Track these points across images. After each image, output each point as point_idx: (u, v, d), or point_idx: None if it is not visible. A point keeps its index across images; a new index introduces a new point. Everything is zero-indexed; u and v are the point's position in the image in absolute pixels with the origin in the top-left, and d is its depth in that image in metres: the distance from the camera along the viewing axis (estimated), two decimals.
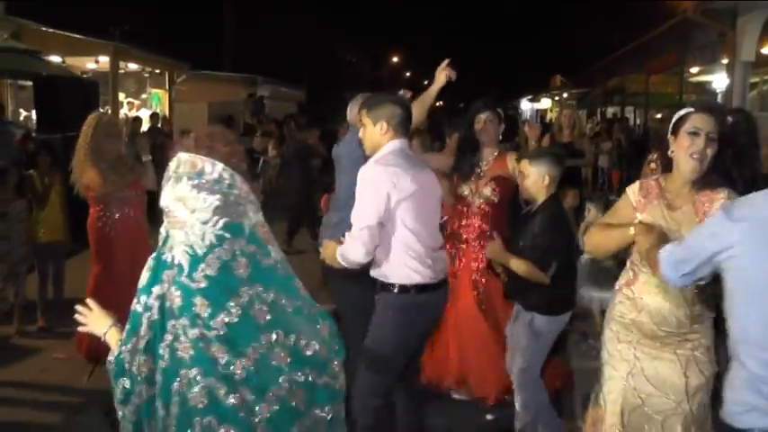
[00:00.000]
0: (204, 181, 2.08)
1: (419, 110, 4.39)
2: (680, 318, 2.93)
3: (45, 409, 4.87)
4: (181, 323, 2.08)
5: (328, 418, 2.22)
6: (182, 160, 2.11)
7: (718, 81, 18.32)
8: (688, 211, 2.90)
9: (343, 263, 3.47)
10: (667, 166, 3.03)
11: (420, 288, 3.49)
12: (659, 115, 19.81)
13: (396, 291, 3.49)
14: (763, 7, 11.21)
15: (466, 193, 4.83)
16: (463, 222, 4.88)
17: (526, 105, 44.04)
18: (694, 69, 17.13)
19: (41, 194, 6.40)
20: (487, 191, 4.75)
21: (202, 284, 2.04)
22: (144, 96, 17.83)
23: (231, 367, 2.05)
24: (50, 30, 14.33)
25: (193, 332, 2.06)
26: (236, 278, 2.06)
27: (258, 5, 29.54)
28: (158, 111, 16.74)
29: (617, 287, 3.19)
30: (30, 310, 6.39)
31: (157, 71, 17.91)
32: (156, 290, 2.13)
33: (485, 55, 54.70)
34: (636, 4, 22.56)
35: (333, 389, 2.24)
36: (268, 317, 2.08)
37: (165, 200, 2.12)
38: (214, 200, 2.07)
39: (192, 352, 2.05)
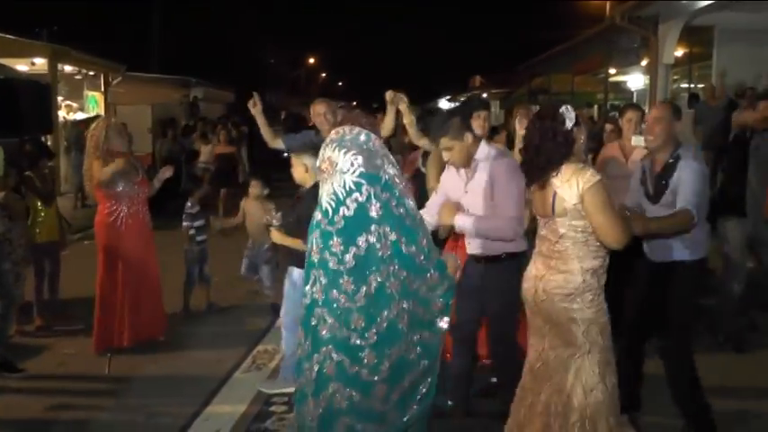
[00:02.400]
0: (346, 141, 2.67)
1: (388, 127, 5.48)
2: None
3: (80, 396, 5.12)
4: (319, 272, 2.68)
5: (430, 343, 2.84)
6: (331, 132, 2.75)
7: (634, 81, 19.63)
8: None
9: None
10: None
11: None
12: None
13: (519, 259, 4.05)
14: (682, 15, 12.25)
15: None
16: None
17: (445, 105, 45.03)
18: (612, 70, 18.29)
19: (47, 193, 6.57)
20: None
21: (339, 225, 2.61)
22: (80, 99, 17.61)
23: (355, 296, 2.62)
24: None
25: (330, 269, 2.64)
26: (369, 218, 2.61)
27: (183, 6, 29.33)
28: (98, 114, 16.62)
29: None
30: (23, 309, 6.48)
31: (92, 73, 17.68)
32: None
33: (401, 55, 55.59)
34: (561, 9, 23.66)
35: (431, 322, 2.82)
36: (389, 252, 2.62)
37: (319, 161, 2.73)
38: (351, 154, 2.63)
39: (323, 296, 2.65)
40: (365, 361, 2.64)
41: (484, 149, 4.10)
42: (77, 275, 7.21)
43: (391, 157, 2.78)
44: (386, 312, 2.63)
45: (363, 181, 2.60)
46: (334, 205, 2.61)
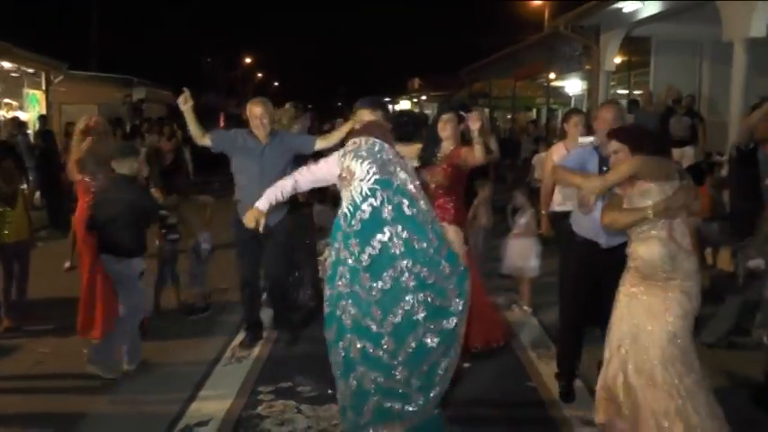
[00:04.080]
0: (362, 151, 2.97)
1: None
2: None
3: (64, 393, 5.15)
4: (342, 269, 2.97)
5: (448, 328, 3.07)
6: (348, 143, 3.05)
7: (572, 86, 20.35)
8: None
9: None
10: None
11: None
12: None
13: None
14: (622, 26, 12.88)
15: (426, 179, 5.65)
16: None
17: None
18: (552, 76, 18.94)
19: (11, 193, 6.55)
20: (439, 176, 5.54)
21: (356, 228, 2.91)
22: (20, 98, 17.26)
23: (372, 291, 2.92)
24: None
25: (350, 266, 2.95)
26: (382, 219, 2.90)
27: (121, 3, 28.90)
28: (40, 113, 16.36)
29: None
30: None
31: (31, 71, 17.33)
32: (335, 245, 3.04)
33: (338, 56, 55.72)
34: (499, 16, 24.23)
35: (448, 309, 3.05)
36: (402, 249, 2.90)
37: (339, 170, 3.05)
38: (367, 164, 2.92)
39: (347, 290, 2.86)
40: (385, 346, 2.92)
41: None
42: (37, 276, 7.16)
43: (403, 162, 3.05)
44: (401, 303, 2.91)
45: (378, 187, 2.90)
46: (352, 209, 2.89)
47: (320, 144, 5.77)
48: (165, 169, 14.09)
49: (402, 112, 6.39)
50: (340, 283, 2.97)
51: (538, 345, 6.04)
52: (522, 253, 6.93)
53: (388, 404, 3.00)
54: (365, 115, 4.18)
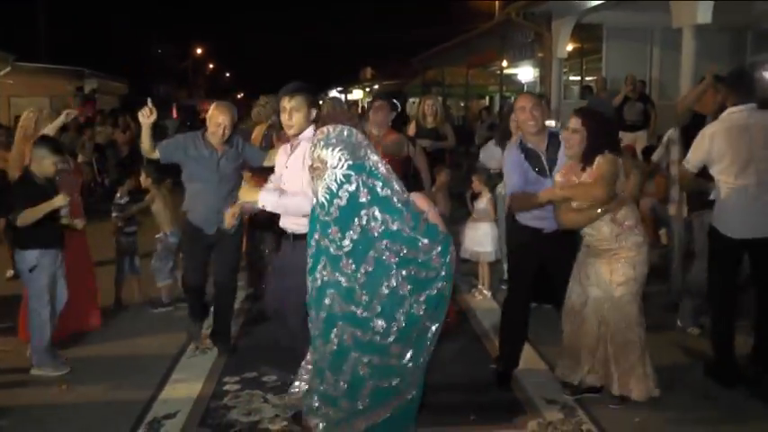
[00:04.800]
0: (332, 139, 3.00)
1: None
2: None
3: (29, 388, 5.10)
4: (324, 259, 3.03)
5: (433, 293, 3.17)
6: (316, 133, 3.08)
7: (524, 74, 20.58)
8: None
9: None
10: None
11: None
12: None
13: None
14: (573, 13, 13.08)
15: None
16: None
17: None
18: (505, 64, 19.12)
19: None
20: None
21: (336, 215, 2.96)
22: None
23: (356, 275, 3.00)
24: None
25: (331, 255, 2.99)
26: (359, 203, 2.96)
27: None
28: None
29: None
30: None
31: None
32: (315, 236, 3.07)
33: (290, 46, 55.37)
34: (453, 6, 24.40)
35: (433, 279, 3.14)
36: (380, 230, 2.99)
37: (311, 161, 3.05)
38: (338, 150, 2.96)
39: (330, 278, 2.92)
40: (375, 329, 2.99)
41: (309, 131, 4.28)
42: None
43: (372, 145, 3.11)
44: (386, 282, 2.99)
45: (352, 172, 2.94)
46: (328, 197, 2.93)
47: (267, 162, 5.46)
48: (121, 161, 14.00)
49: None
50: (325, 272, 3.00)
51: (498, 327, 6.15)
52: (480, 238, 7.06)
53: (385, 384, 3.07)
54: (285, 102, 4.28)
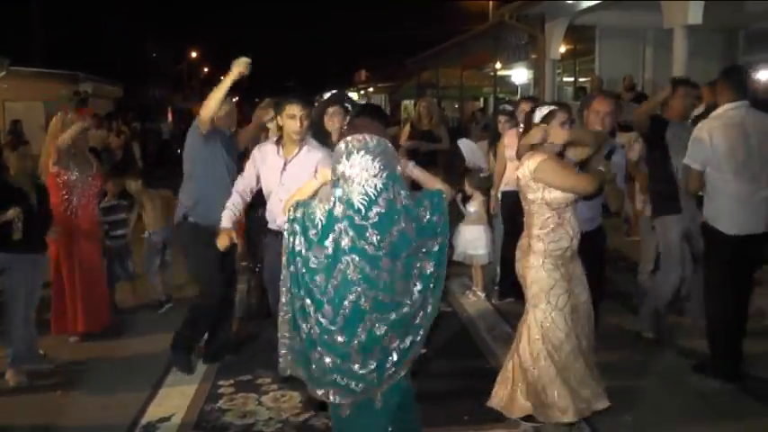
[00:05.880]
0: (371, 147, 3.08)
1: (213, 102, 5.22)
2: None
3: (26, 389, 5.13)
4: (351, 257, 3.07)
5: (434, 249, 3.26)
6: (349, 140, 3.10)
7: (518, 76, 20.64)
8: None
9: None
10: None
11: None
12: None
13: None
14: (566, 15, 13.13)
15: None
16: None
17: None
18: (498, 65, 19.18)
19: None
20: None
21: (375, 220, 3.06)
22: None
23: (393, 272, 3.10)
24: None
25: (369, 255, 3.08)
26: (397, 210, 3.09)
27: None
28: None
29: None
30: None
31: None
32: (331, 237, 3.11)
33: (285, 48, 55.32)
34: (447, 8, 24.43)
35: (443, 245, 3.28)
36: (413, 234, 3.13)
37: (342, 168, 3.08)
38: (378, 160, 3.06)
39: (359, 275, 3.07)
40: (403, 312, 3.15)
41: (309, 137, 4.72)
42: None
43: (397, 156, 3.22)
44: (413, 280, 3.17)
45: (390, 182, 3.06)
46: (366, 204, 3.02)
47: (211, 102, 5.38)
48: (115, 165, 13.95)
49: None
50: (349, 271, 3.05)
51: (493, 327, 6.21)
52: (473, 240, 7.07)
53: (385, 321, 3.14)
54: (296, 110, 4.51)
